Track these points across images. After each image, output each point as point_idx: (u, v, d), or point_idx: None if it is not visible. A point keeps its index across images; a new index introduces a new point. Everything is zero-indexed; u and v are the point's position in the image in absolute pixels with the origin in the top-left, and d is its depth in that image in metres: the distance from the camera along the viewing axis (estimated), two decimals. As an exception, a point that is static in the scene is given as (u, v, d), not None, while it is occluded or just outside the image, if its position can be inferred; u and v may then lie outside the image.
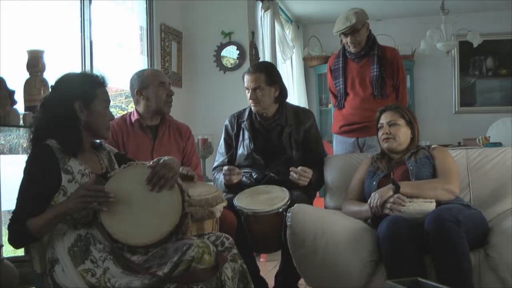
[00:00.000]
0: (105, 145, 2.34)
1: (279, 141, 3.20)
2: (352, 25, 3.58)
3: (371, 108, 3.51)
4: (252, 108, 3.23)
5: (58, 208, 2.00)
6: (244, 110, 3.34)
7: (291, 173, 3.06)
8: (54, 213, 1.99)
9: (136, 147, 2.95)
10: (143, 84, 2.99)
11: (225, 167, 3.13)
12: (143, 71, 3.11)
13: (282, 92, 3.24)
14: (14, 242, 2.04)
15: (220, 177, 3.18)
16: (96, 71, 2.40)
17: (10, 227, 2.01)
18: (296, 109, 3.35)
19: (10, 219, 2.02)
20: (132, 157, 2.46)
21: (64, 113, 2.11)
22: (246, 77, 3.20)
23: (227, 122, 3.35)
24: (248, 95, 3.19)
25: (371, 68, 3.66)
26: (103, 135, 2.23)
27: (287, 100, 3.36)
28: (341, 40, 3.78)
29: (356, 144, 3.74)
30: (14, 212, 2.02)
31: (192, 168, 3.05)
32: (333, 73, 3.82)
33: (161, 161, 2.10)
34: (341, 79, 3.75)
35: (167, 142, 3.04)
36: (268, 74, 3.18)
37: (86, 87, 2.16)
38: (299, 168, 3.06)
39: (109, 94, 2.26)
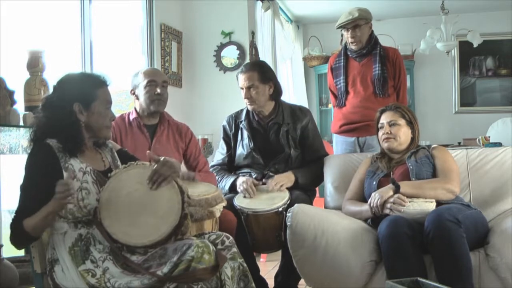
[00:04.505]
0: (108, 142, 2.33)
1: (277, 139, 3.21)
2: (354, 18, 3.57)
3: (371, 107, 3.50)
4: (248, 107, 3.23)
5: (47, 207, 1.97)
6: (241, 110, 3.35)
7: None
8: (44, 212, 1.97)
9: (134, 146, 2.94)
10: (134, 83, 3.04)
11: (243, 183, 3.06)
12: (139, 70, 3.11)
13: (277, 89, 3.24)
14: (15, 242, 2.04)
15: (223, 182, 3.19)
16: (98, 71, 2.39)
17: (11, 227, 2.01)
18: (293, 107, 3.35)
19: (12, 218, 2.02)
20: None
21: (64, 114, 2.11)
22: (240, 77, 3.21)
23: (224, 123, 3.36)
24: (243, 94, 3.20)
25: (372, 67, 3.65)
26: (104, 135, 2.23)
27: (285, 100, 3.36)
28: (341, 40, 3.77)
29: (357, 144, 3.72)
30: (16, 212, 2.02)
31: (200, 167, 3.07)
32: (334, 72, 3.81)
33: (162, 158, 2.10)
34: (342, 77, 3.74)
35: (165, 141, 3.04)
36: (261, 72, 3.19)
37: (86, 88, 2.16)
38: (273, 182, 3.04)
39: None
